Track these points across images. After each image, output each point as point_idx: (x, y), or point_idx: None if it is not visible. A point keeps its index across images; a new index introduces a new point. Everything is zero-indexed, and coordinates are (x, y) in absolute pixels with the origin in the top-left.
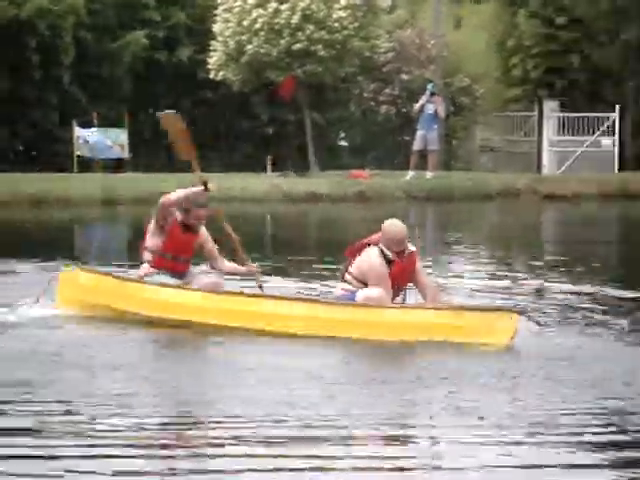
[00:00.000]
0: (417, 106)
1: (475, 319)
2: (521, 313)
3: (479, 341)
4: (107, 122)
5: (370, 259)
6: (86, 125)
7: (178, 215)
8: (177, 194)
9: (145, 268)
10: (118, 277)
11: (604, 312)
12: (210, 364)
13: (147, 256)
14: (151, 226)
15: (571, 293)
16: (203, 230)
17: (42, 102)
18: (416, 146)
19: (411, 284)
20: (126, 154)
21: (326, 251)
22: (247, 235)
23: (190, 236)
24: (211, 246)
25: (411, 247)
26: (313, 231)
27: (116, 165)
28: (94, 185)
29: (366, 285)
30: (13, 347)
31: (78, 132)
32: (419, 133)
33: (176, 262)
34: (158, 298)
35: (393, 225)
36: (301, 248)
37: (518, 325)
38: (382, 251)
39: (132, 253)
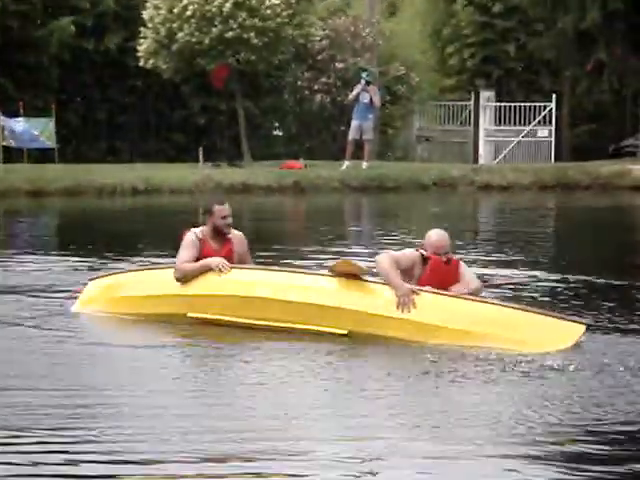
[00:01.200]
0: (352, 95)
1: (545, 325)
2: (589, 326)
3: (539, 347)
4: (34, 111)
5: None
6: (12, 114)
7: (204, 229)
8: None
9: None
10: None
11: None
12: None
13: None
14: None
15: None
16: (237, 235)
17: None
18: (351, 135)
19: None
20: (53, 144)
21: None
22: (173, 227)
23: (225, 244)
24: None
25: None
26: (245, 223)
27: (44, 155)
28: (21, 176)
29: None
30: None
31: (4, 122)
32: (354, 123)
33: None
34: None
35: (435, 233)
36: None
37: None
38: (422, 254)
39: (61, 243)
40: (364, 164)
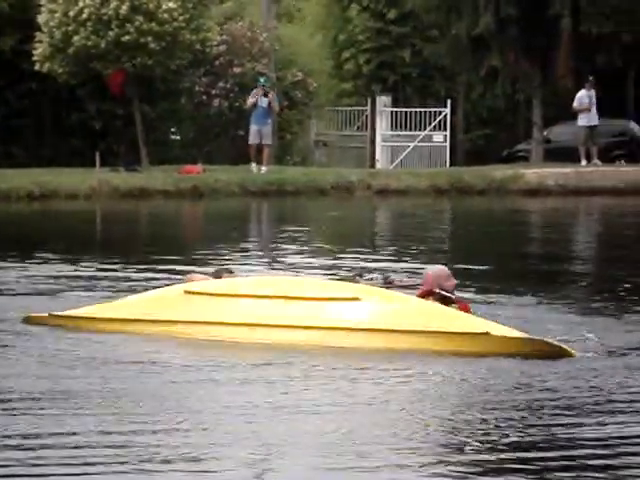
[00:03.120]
0: (250, 101)
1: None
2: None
3: None
4: None
5: None
6: None
7: None
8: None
9: None
10: None
11: None
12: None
13: None
14: None
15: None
16: None
17: None
18: (252, 140)
19: None
20: None
21: (157, 248)
22: (71, 235)
23: None
24: None
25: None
26: (142, 228)
27: None
28: None
29: None
30: None
31: None
32: (253, 127)
33: None
34: None
35: (436, 269)
36: (128, 246)
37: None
38: (441, 294)
39: None
40: (263, 168)
